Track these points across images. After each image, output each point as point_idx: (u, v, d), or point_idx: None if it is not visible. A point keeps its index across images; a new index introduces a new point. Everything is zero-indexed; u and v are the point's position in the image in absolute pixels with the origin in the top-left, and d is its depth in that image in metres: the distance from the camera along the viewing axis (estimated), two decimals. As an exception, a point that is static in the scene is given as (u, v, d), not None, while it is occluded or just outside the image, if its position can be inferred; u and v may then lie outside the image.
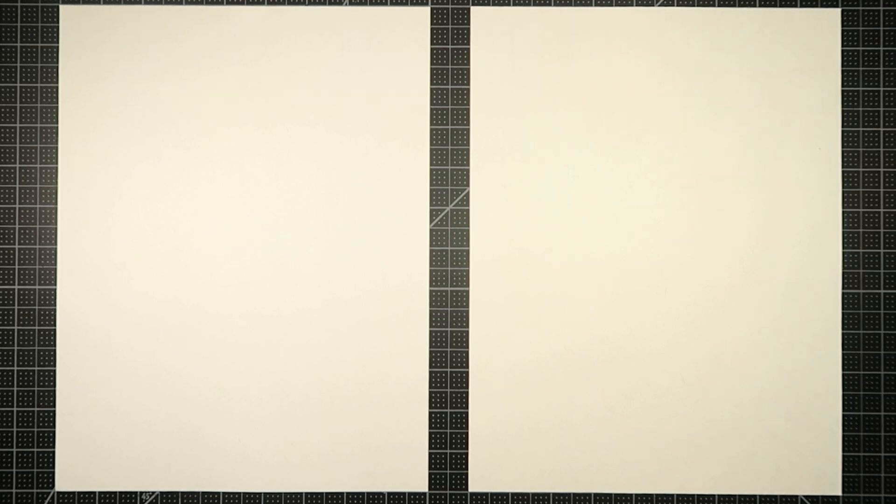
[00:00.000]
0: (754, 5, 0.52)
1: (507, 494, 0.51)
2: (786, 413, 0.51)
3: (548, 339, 0.51)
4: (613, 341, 0.51)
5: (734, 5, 0.52)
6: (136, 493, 0.51)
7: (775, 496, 0.51)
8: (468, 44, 0.52)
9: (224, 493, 0.51)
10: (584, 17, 0.52)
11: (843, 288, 0.51)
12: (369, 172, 0.52)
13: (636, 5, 0.52)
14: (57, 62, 0.52)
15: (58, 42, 0.52)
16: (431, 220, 0.52)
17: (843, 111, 0.52)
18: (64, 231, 0.51)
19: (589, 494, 0.51)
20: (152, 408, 0.51)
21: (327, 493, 0.51)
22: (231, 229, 0.51)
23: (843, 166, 0.52)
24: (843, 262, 0.52)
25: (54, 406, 0.51)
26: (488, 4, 0.52)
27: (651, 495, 0.51)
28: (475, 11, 0.52)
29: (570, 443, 0.51)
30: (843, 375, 0.51)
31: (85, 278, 0.51)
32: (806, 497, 0.51)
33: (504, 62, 0.52)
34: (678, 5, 0.52)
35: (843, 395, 0.51)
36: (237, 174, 0.52)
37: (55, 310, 0.51)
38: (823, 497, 0.51)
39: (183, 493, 0.51)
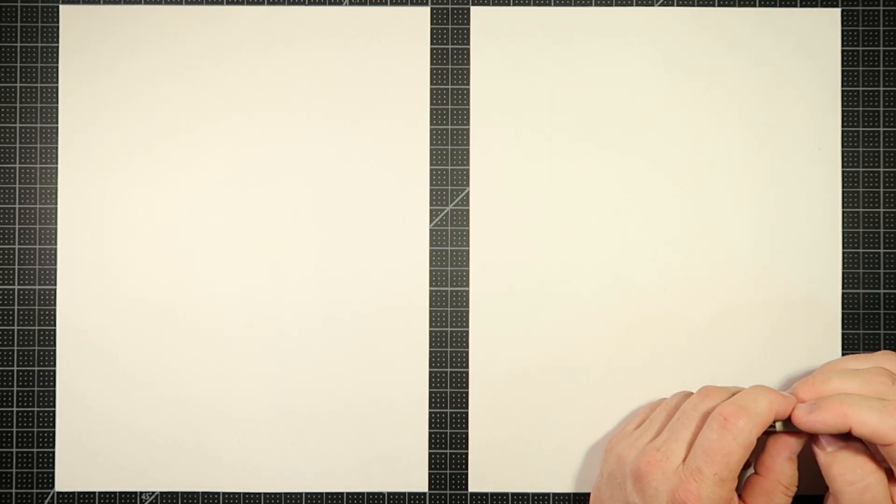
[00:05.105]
0: (754, 5, 0.52)
1: (507, 494, 0.51)
2: (786, 413, 0.51)
3: (547, 339, 0.51)
4: (613, 340, 0.51)
5: (734, 5, 0.52)
6: (135, 493, 0.51)
7: (775, 496, 0.51)
8: (468, 44, 0.52)
9: (224, 493, 0.51)
10: (583, 17, 0.52)
11: (843, 288, 0.51)
12: (369, 173, 0.52)
13: (636, 5, 0.52)
14: (57, 62, 0.52)
15: (58, 42, 0.52)
16: (431, 220, 0.52)
17: (843, 111, 0.52)
18: (64, 231, 0.51)
19: (589, 494, 0.51)
20: (152, 408, 0.51)
21: (327, 493, 0.51)
22: (231, 229, 0.51)
23: (843, 166, 0.52)
24: (843, 262, 0.52)
25: (54, 406, 0.51)
26: (488, 4, 0.52)
27: (651, 495, 0.51)
28: (475, 11, 0.52)
29: (569, 442, 0.51)
30: (843, 375, 0.51)
31: (85, 278, 0.51)
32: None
33: (504, 62, 0.52)
34: (678, 5, 0.52)
35: (843, 395, 0.51)
36: (237, 175, 0.52)
37: (55, 310, 0.51)
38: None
39: (183, 493, 0.51)
